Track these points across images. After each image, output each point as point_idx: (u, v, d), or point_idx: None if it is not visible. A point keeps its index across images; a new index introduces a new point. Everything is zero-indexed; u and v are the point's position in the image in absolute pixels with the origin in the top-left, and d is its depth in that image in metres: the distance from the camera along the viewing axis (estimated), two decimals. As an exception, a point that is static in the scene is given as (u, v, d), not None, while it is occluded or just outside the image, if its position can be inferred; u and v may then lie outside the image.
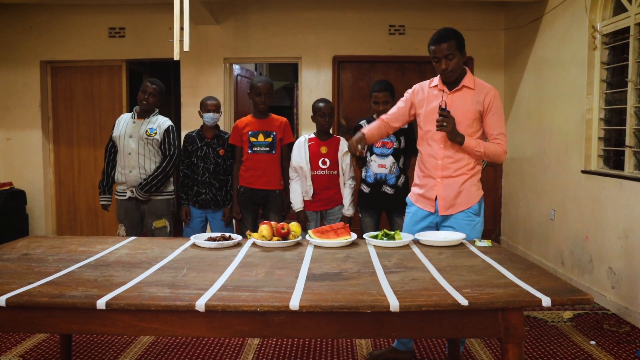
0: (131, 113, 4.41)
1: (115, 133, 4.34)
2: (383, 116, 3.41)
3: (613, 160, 4.57)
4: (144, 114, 4.35)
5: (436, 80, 3.20)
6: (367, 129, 3.39)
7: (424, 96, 3.22)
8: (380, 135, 3.42)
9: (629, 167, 4.24)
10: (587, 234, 4.69)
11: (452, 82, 3.12)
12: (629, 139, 4.22)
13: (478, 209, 3.17)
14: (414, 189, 3.34)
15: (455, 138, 3.05)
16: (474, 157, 3.11)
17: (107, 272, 2.32)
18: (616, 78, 4.55)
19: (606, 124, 4.62)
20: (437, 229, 3.21)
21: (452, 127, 3.02)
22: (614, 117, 4.59)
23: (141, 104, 4.31)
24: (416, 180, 3.32)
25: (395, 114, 3.35)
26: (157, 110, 4.41)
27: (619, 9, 4.44)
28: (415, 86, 3.30)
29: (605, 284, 4.43)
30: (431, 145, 3.18)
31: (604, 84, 4.61)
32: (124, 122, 4.36)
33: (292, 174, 4.30)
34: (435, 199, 3.18)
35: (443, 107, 3.06)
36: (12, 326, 2.05)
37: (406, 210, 3.40)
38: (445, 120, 3.02)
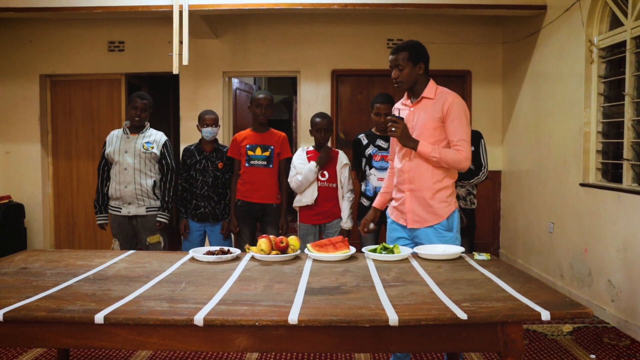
0: (121, 129, 4.39)
1: (109, 150, 4.32)
2: (392, 163, 3.39)
3: (611, 173, 4.58)
4: (136, 129, 4.34)
5: (405, 96, 3.25)
6: (378, 198, 3.45)
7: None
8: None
9: (627, 180, 4.25)
10: (586, 247, 4.69)
11: (414, 95, 3.15)
12: (627, 152, 4.24)
13: (448, 225, 3.11)
14: (391, 202, 3.35)
15: (407, 143, 3.04)
16: (431, 163, 3.05)
17: (106, 286, 2.31)
18: (613, 91, 4.58)
19: (604, 137, 4.64)
20: (414, 242, 3.19)
21: (402, 132, 3.02)
22: (612, 130, 4.61)
23: (133, 120, 4.30)
24: (393, 193, 3.33)
25: (393, 149, 3.36)
26: (148, 124, 4.42)
27: (615, 23, 4.47)
28: (394, 107, 3.37)
29: (604, 297, 4.42)
30: (400, 159, 3.20)
31: (602, 98, 4.63)
32: (117, 138, 4.34)
33: (292, 180, 4.24)
34: (402, 212, 3.21)
35: (397, 115, 3.11)
36: (10, 341, 2.04)
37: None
38: (395, 125, 3.03)
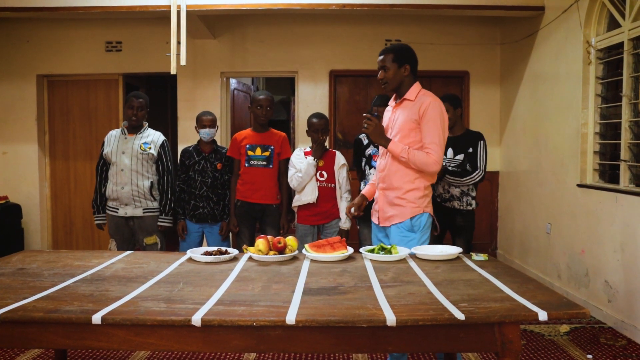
0: (120, 129, 4.37)
1: (106, 150, 4.31)
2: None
3: (608, 174, 4.59)
4: (134, 129, 4.32)
5: (394, 96, 3.32)
6: (367, 187, 3.52)
7: (385, 114, 3.38)
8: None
9: (624, 181, 4.26)
10: (583, 248, 4.69)
11: (399, 96, 3.22)
12: (624, 153, 4.24)
13: (411, 225, 3.13)
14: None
15: (379, 140, 3.15)
16: (401, 163, 3.11)
17: (103, 286, 2.31)
18: (611, 92, 4.58)
19: (601, 138, 4.64)
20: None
21: (373, 129, 3.13)
22: (609, 131, 4.61)
23: (130, 120, 4.28)
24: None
25: None
26: (147, 125, 4.41)
27: (613, 24, 4.48)
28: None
29: (601, 297, 4.43)
30: (379, 158, 3.31)
31: (599, 99, 4.64)
32: (115, 138, 4.33)
33: (293, 179, 4.24)
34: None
35: (374, 113, 3.25)
36: (7, 341, 2.04)
37: None
38: (367, 122, 3.14)
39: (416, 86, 3.18)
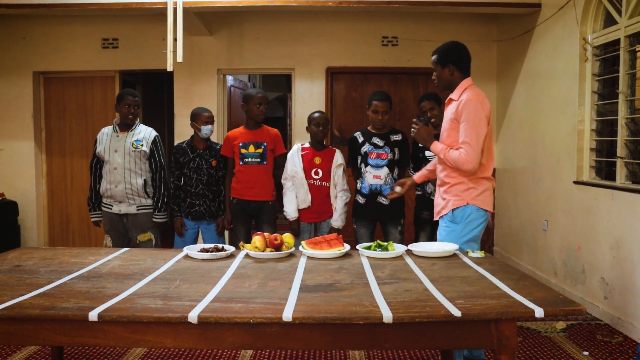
0: (111, 127, 4.35)
1: (99, 148, 4.29)
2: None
3: (605, 171, 4.60)
4: (126, 127, 4.30)
5: None
6: (420, 172, 3.75)
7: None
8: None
9: (620, 178, 4.26)
10: (579, 245, 4.70)
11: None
12: (620, 150, 4.25)
13: (453, 217, 3.22)
14: None
15: (424, 143, 3.36)
16: (445, 166, 3.25)
17: (100, 283, 2.31)
18: (607, 89, 4.59)
19: (598, 135, 4.65)
20: None
21: (417, 133, 3.33)
22: (605, 128, 4.62)
23: (127, 118, 4.24)
24: None
25: None
26: (138, 121, 4.40)
27: (610, 21, 4.48)
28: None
29: (597, 294, 4.44)
30: (436, 157, 3.42)
31: (595, 96, 4.64)
32: (107, 136, 4.30)
33: (287, 183, 4.29)
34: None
35: (421, 117, 3.44)
36: (3, 338, 2.04)
37: None
38: (414, 126, 3.36)
39: (463, 84, 3.23)
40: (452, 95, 3.24)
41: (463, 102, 3.11)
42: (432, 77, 3.37)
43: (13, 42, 6.66)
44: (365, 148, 4.17)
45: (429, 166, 3.67)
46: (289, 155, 4.32)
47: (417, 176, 3.71)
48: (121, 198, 4.24)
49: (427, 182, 4.19)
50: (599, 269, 4.41)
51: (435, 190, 4.21)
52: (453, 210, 3.21)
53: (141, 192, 4.27)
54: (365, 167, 4.14)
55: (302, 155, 4.26)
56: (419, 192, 4.41)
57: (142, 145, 4.25)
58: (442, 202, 3.28)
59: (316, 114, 4.27)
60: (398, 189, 3.70)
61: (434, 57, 3.32)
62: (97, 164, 4.36)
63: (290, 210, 4.25)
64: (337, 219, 4.25)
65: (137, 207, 4.28)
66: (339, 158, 4.29)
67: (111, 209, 4.28)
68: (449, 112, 3.24)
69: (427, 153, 4.25)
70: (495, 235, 6.80)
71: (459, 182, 3.20)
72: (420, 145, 4.29)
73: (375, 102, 4.10)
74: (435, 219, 3.40)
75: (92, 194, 4.38)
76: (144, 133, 4.32)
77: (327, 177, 4.24)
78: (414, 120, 3.38)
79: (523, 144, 5.90)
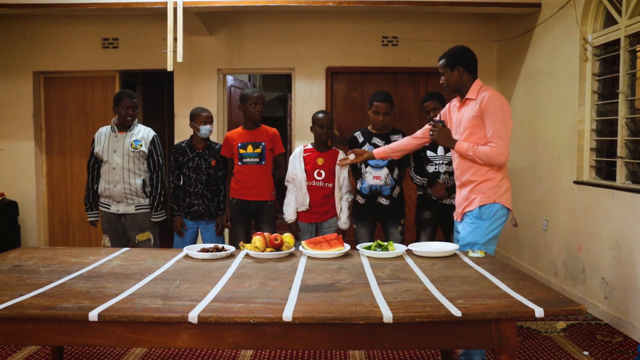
0: (109, 126, 4.33)
1: (97, 149, 4.28)
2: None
3: (605, 171, 4.60)
4: (124, 127, 4.29)
5: (458, 96, 3.45)
6: (380, 148, 3.82)
7: (448, 114, 3.52)
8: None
9: (620, 178, 4.26)
10: (579, 245, 4.70)
11: (462, 96, 3.35)
12: (621, 150, 4.25)
13: (479, 213, 3.24)
14: None
15: (446, 143, 3.38)
16: (469, 160, 3.26)
17: (100, 283, 2.31)
18: (607, 89, 4.59)
19: (598, 135, 4.65)
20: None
21: (438, 134, 3.34)
22: (606, 128, 4.62)
23: (126, 120, 4.24)
24: None
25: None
26: (136, 121, 4.39)
27: (610, 21, 4.48)
28: (447, 105, 3.60)
29: (598, 294, 4.44)
30: (453, 157, 3.46)
31: (596, 95, 4.64)
32: (105, 136, 4.29)
33: (289, 185, 4.29)
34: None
35: (437, 119, 3.41)
36: (3, 338, 2.04)
37: None
38: (433, 129, 3.37)
39: (476, 84, 3.29)
40: (469, 95, 3.28)
41: (487, 98, 3.16)
42: (440, 82, 3.42)
43: (13, 42, 6.65)
44: (366, 148, 4.16)
45: (391, 145, 3.79)
46: (291, 157, 4.32)
47: (377, 152, 3.81)
48: (120, 198, 4.23)
49: (433, 182, 4.19)
50: (599, 268, 4.41)
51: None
52: (480, 207, 3.23)
53: (140, 192, 4.26)
54: (366, 167, 4.14)
55: (304, 157, 4.25)
56: (420, 193, 4.41)
57: (141, 145, 4.25)
58: (466, 201, 3.30)
59: (321, 115, 4.25)
60: (352, 156, 3.83)
61: (442, 61, 3.37)
62: (94, 164, 4.35)
63: (288, 213, 4.25)
64: (347, 221, 4.26)
65: (136, 206, 4.28)
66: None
67: (109, 208, 4.28)
68: (468, 111, 3.26)
69: (429, 153, 4.25)
70: (496, 235, 6.79)
71: (486, 180, 3.23)
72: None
73: (377, 102, 4.09)
74: (457, 219, 3.39)
75: (89, 194, 4.37)
76: (143, 133, 4.32)
77: (330, 179, 4.22)
78: (432, 122, 3.39)
79: (523, 143, 5.90)
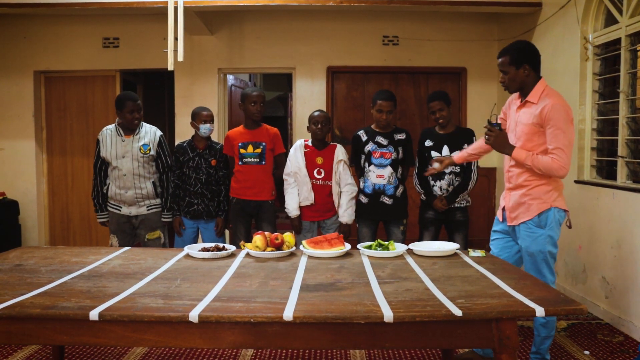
0: (113, 127, 4.29)
1: (104, 152, 4.23)
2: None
3: (606, 170, 4.59)
4: (130, 130, 4.24)
5: (518, 93, 3.26)
6: (460, 152, 3.74)
7: (508, 109, 3.34)
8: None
9: (621, 177, 4.26)
10: (580, 244, 4.70)
11: (523, 96, 3.16)
12: (621, 149, 4.25)
13: (539, 222, 3.12)
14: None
15: (502, 149, 3.16)
16: (526, 169, 3.11)
17: (100, 282, 2.31)
18: (608, 89, 4.58)
19: (598, 134, 4.65)
20: (509, 237, 3.31)
21: (494, 140, 3.14)
22: (606, 127, 4.62)
23: (132, 124, 4.20)
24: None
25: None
26: (142, 122, 4.37)
27: (610, 20, 4.48)
28: (509, 99, 3.39)
29: (598, 293, 4.44)
30: (504, 158, 3.30)
31: (596, 95, 4.64)
32: (111, 140, 4.23)
33: (288, 179, 4.27)
34: (504, 209, 3.30)
35: (493, 122, 3.19)
36: (4, 337, 2.04)
37: None
38: (489, 133, 3.17)
39: (539, 85, 3.10)
40: (530, 98, 3.09)
41: (550, 107, 2.97)
42: (499, 80, 3.22)
43: (14, 41, 6.65)
44: (369, 147, 4.16)
45: (469, 149, 3.64)
46: (291, 151, 4.30)
47: (457, 157, 3.69)
48: (131, 202, 4.22)
49: (438, 181, 4.17)
50: (600, 268, 4.41)
51: (446, 190, 4.21)
52: (539, 215, 3.12)
53: (151, 194, 4.26)
54: (369, 166, 4.13)
55: (305, 152, 4.24)
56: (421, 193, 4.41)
57: (149, 150, 4.22)
58: (523, 207, 3.16)
59: (315, 113, 4.25)
60: (436, 165, 3.71)
61: (505, 58, 3.14)
62: (102, 166, 4.31)
63: (292, 207, 4.22)
64: (343, 214, 4.19)
65: (148, 207, 4.27)
66: (339, 154, 4.25)
67: (120, 210, 4.26)
68: (528, 115, 3.08)
69: (434, 153, 4.22)
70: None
71: (542, 184, 3.10)
72: (426, 144, 4.27)
73: (380, 101, 4.09)
74: (510, 223, 3.24)
75: (98, 195, 4.34)
76: (150, 135, 4.29)
77: (330, 176, 4.22)
78: (487, 126, 3.19)
79: (524, 143, 5.89)
